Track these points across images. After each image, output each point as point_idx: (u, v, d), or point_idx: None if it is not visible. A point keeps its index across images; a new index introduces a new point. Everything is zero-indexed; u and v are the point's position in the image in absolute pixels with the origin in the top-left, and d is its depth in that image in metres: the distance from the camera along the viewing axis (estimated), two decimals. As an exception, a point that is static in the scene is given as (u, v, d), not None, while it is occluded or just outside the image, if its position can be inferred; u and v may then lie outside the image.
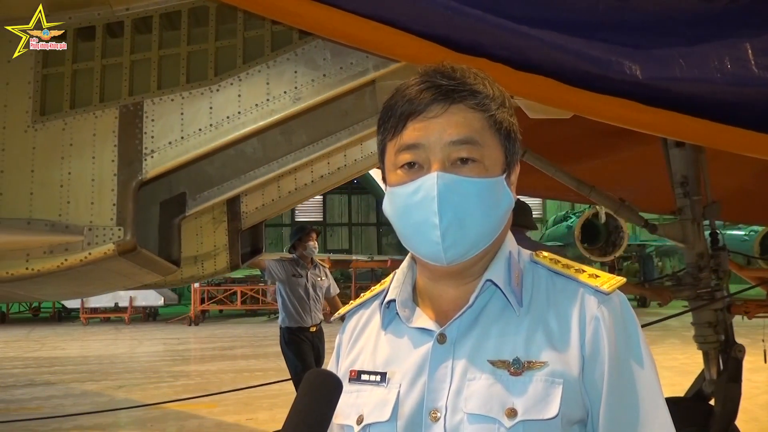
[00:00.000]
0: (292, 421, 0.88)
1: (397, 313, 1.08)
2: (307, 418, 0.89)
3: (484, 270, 1.04)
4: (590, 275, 1.04)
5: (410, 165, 1.01)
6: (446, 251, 0.99)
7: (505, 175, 1.03)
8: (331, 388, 0.92)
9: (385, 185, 1.06)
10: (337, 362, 1.16)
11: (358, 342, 1.13)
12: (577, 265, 1.07)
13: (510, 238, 1.09)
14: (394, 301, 1.08)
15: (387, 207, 1.05)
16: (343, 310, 1.22)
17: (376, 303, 1.14)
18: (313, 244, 6.33)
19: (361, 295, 1.21)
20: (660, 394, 0.99)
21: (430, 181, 0.97)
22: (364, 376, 1.06)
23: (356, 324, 1.17)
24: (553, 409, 0.93)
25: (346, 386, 1.08)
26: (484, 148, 1.00)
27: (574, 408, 0.96)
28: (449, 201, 0.97)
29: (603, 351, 0.97)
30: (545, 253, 1.10)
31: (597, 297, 1.00)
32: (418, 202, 0.99)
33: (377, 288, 1.17)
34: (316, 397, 0.91)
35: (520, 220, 5.43)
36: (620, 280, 1.03)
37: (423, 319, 1.05)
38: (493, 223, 1.02)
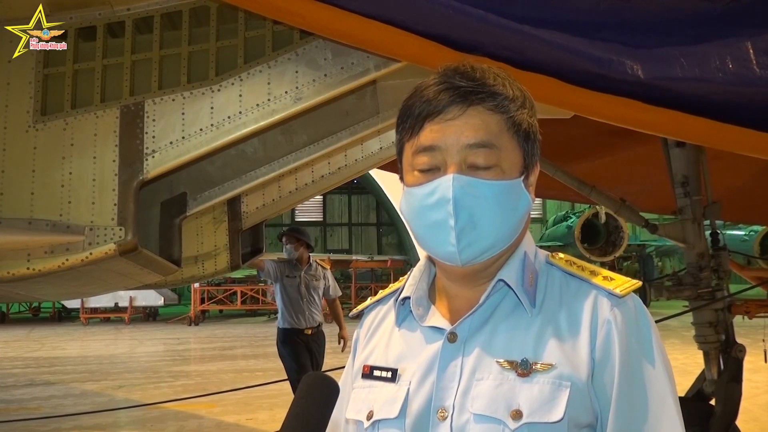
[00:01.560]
0: (290, 424, 0.89)
1: (411, 311, 1.08)
2: (304, 421, 0.89)
3: (499, 268, 1.03)
4: (605, 278, 1.02)
5: (427, 167, 1.00)
6: (461, 253, 0.99)
7: (523, 177, 1.03)
8: (328, 391, 0.93)
9: (403, 184, 1.06)
10: (354, 357, 1.16)
11: (374, 338, 1.14)
12: (592, 267, 1.06)
13: (527, 238, 1.08)
14: (409, 298, 1.09)
15: (404, 207, 1.05)
16: (361, 307, 1.22)
17: (393, 300, 1.14)
18: (289, 247, 6.28)
19: (380, 291, 1.22)
20: (673, 402, 0.97)
21: (446, 183, 0.97)
22: (376, 372, 1.06)
23: (373, 320, 1.17)
24: (558, 413, 0.92)
25: (359, 382, 1.09)
26: (501, 151, 0.99)
27: (581, 412, 0.94)
28: (465, 203, 0.97)
29: (614, 355, 0.96)
30: (561, 255, 1.09)
31: (610, 300, 0.99)
32: (434, 204, 0.98)
33: (395, 285, 1.17)
34: (313, 400, 0.91)
35: None
36: (636, 283, 1.01)
37: (436, 317, 1.05)
38: (510, 226, 1.02)
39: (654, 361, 0.98)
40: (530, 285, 1.02)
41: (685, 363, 9.26)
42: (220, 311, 24.22)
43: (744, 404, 4.16)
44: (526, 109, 1.03)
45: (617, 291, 0.99)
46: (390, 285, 1.20)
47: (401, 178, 1.07)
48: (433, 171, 1.00)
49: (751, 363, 4.35)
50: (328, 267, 6.71)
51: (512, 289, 1.01)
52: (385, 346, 1.10)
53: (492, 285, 1.02)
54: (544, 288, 1.04)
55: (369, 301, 1.22)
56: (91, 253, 3.32)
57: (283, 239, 6.34)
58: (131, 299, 20.63)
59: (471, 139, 0.98)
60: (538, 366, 0.95)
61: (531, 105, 1.05)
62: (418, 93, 1.02)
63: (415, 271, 1.13)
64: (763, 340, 4.51)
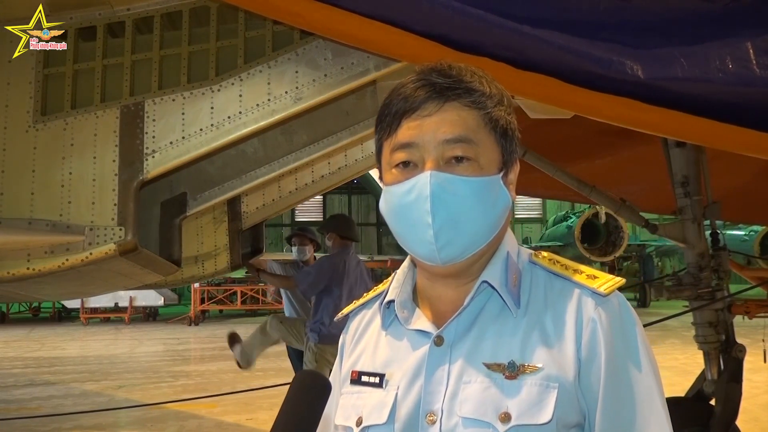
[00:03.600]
0: (281, 422, 0.89)
1: (396, 314, 1.08)
2: (295, 419, 0.89)
3: (483, 270, 1.03)
4: (588, 276, 1.02)
5: (405, 164, 1.00)
6: (440, 251, 0.98)
7: (501, 174, 1.02)
8: (319, 388, 0.93)
9: (382, 184, 1.06)
10: (341, 362, 1.16)
11: (360, 343, 1.13)
12: (576, 266, 1.06)
13: (509, 237, 1.08)
14: (393, 301, 1.08)
15: (383, 206, 1.05)
16: (346, 310, 1.21)
17: (378, 303, 1.13)
18: (301, 248, 6.26)
19: (364, 295, 1.21)
20: (659, 399, 0.97)
21: (423, 180, 0.97)
22: (364, 378, 1.06)
23: (359, 324, 1.17)
24: (547, 414, 0.92)
25: (347, 387, 1.09)
26: (479, 146, 0.99)
27: (569, 413, 0.95)
28: (442, 200, 0.96)
29: (600, 354, 0.96)
30: (544, 254, 1.09)
31: (594, 299, 0.99)
32: (412, 202, 0.98)
33: (379, 288, 1.17)
34: (304, 398, 0.91)
35: (347, 233, 5.49)
36: (619, 280, 1.01)
37: (422, 320, 1.05)
38: (489, 223, 1.01)
39: (640, 359, 0.98)
40: (514, 285, 1.02)
41: (685, 363, 9.27)
42: (220, 311, 24.20)
43: (744, 404, 4.15)
44: (503, 106, 1.03)
45: (601, 290, 0.99)
46: (374, 288, 1.20)
47: (380, 178, 1.07)
48: (411, 168, 0.99)
49: (751, 363, 4.34)
50: None
51: (496, 290, 1.01)
52: (372, 350, 1.09)
53: (476, 287, 1.01)
54: (528, 288, 1.03)
55: (353, 305, 1.21)
56: (91, 253, 3.32)
57: (294, 240, 6.29)
58: (131, 299, 20.61)
59: (448, 135, 0.98)
60: (526, 368, 0.95)
61: (509, 103, 1.05)
62: (395, 91, 1.03)
63: (399, 274, 1.12)
64: (763, 340, 4.51)
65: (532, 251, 1.10)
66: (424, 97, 0.98)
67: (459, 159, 0.98)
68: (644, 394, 0.96)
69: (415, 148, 0.99)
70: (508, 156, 1.04)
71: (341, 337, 1.20)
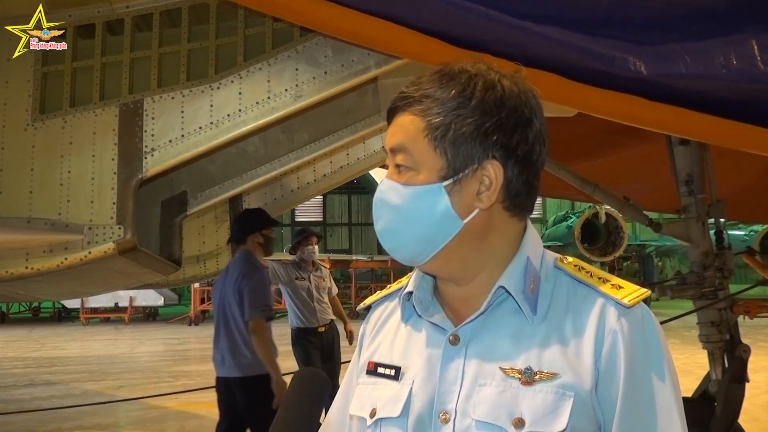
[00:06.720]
0: (280, 419, 0.89)
1: (415, 307, 1.07)
2: (294, 415, 0.90)
3: (476, 273, 1.02)
4: (613, 285, 1.00)
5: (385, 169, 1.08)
6: (392, 252, 1.03)
7: (447, 182, 0.98)
8: (317, 385, 0.93)
9: None
10: (360, 352, 1.16)
11: (380, 333, 1.13)
12: (602, 274, 1.03)
13: (530, 240, 1.05)
14: (413, 293, 1.08)
15: None
16: (368, 301, 1.21)
17: (399, 295, 1.13)
18: (312, 248, 6.26)
19: (388, 286, 1.22)
20: (678, 413, 0.96)
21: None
22: (380, 369, 1.06)
23: (380, 315, 1.16)
24: (561, 422, 0.91)
25: (363, 378, 1.09)
26: (414, 155, 0.99)
27: (585, 422, 0.93)
28: (382, 206, 1.02)
29: (619, 366, 0.94)
30: (570, 259, 1.06)
31: (618, 309, 0.97)
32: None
33: (404, 280, 1.16)
34: (303, 395, 0.92)
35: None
36: (644, 292, 0.99)
37: (440, 315, 1.05)
38: (424, 230, 0.99)
39: (661, 374, 0.96)
40: (532, 292, 0.99)
41: (685, 363, 9.26)
42: (221, 311, 24.20)
43: (744, 404, 4.13)
44: (464, 110, 0.97)
45: (625, 301, 0.97)
46: (399, 280, 1.19)
47: None
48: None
49: (751, 363, 4.30)
50: (327, 266, 6.73)
51: (512, 296, 0.99)
52: (390, 342, 1.09)
53: (492, 292, 1.00)
54: (550, 294, 1.01)
55: (377, 295, 1.21)
56: (90, 252, 3.30)
57: (312, 240, 6.25)
58: (131, 299, 20.61)
59: (390, 144, 1.02)
60: (542, 374, 0.94)
61: (478, 106, 0.97)
62: None
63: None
64: (770, 341, 4.48)
65: (558, 256, 1.08)
66: (392, 107, 1.04)
67: (398, 167, 1.01)
68: (664, 408, 0.95)
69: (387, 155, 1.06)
70: (461, 163, 0.98)
71: (362, 326, 1.20)
